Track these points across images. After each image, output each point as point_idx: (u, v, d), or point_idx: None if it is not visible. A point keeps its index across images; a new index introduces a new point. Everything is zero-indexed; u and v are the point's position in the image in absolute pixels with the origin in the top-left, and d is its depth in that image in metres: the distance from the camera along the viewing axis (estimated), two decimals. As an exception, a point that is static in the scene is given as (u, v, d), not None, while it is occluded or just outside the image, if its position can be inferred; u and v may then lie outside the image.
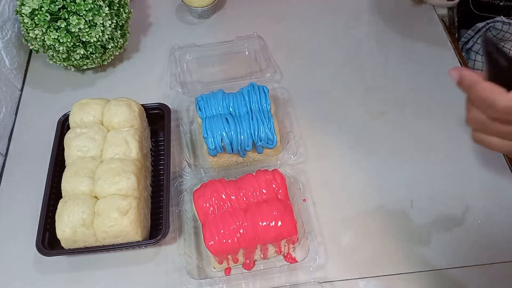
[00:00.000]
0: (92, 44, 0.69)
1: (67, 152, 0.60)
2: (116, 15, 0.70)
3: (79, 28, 0.66)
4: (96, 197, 0.56)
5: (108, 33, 0.69)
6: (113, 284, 0.57)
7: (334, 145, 0.67)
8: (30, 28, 0.67)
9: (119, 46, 0.73)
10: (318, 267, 0.56)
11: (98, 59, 0.72)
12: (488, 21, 0.89)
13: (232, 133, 0.59)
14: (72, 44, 0.67)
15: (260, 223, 0.52)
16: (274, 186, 0.56)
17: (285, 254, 0.57)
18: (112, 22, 0.69)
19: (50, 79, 0.76)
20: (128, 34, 0.75)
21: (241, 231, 0.52)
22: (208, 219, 0.54)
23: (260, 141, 0.60)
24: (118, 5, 0.71)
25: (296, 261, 0.56)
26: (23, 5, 0.66)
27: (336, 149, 0.66)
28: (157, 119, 0.67)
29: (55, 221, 0.54)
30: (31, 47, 0.71)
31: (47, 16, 0.65)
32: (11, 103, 0.72)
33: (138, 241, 0.55)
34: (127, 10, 0.73)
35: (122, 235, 0.54)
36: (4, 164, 0.68)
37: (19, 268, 0.58)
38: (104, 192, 0.55)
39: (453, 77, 0.37)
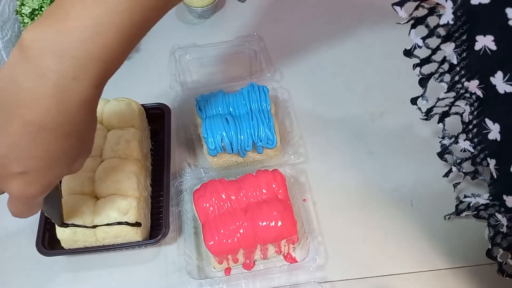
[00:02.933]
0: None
1: (67, 152, 0.60)
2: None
3: (79, 28, 0.66)
4: (96, 197, 0.56)
5: (108, 33, 0.69)
6: (113, 284, 0.57)
7: (334, 145, 0.67)
8: (30, 28, 0.67)
9: (119, 46, 0.73)
10: (318, 267, 0.56)
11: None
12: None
13: (232, 133, 0.59)
14: (72, 44, 0.67)
15: (260, 223, 0.52)
16: (274, 186, 0.56)
17: (285, 254, 0.57)
18: None
19: (50, 79, 0.76)
20: (128, 34, 0.75)
21: (241, 231, 0.52)
22: (208, 219, 0.54)
23: (260, 141, 0.60)
24: (118, 5, 0.70)
25: (296, 261, 0.56)
26: (23, 5, 0.66)
27: (336, 149, 0.66)
28: (157, 119, 0.67)
29: (55, 221, 0.54)
30: (31, 47, 0.71)
31: (47, 16, 0.65)
32: (11, 103, 0.72)
33: (138, 241, 0.55)
34: (127, 10, 0.73)
35: (122, 235, 0.54)
36: (4, 164, 0.67)
37: (19, 268, 0.58)
38: (104, 192, 0.55)
39: None
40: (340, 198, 0.62)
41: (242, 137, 0.59)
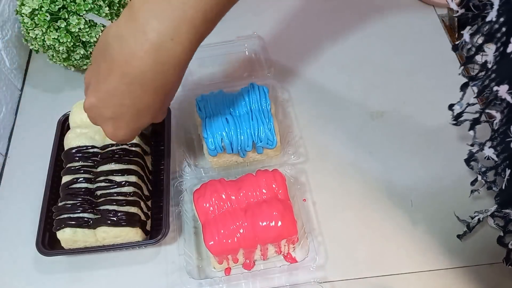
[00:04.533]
0: (92, 44, 0.69)
1: (67, 152, 0.60)
2: (116, 15, 0.70)
3: (79, 28, 0.66)
4: (96, 197, 0.56)
5: (108, 33, 0.69)
6: (113, 284, 0.57)
7: (334, 145, 0.67)
8: (30, 28, 0.66)
9: (119, 46, 0.73)
10: (318, 267, 0.56)
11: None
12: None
13: (232, 133, 0.59)
14: (72, 44, 0.67)
15: (260, 223, 0.52)
16: (274, 186, 0.56)
17: (285, 254, 0.57)
18: (112, 22, 0.69)
19: (50, 79, 0.76)
20: (128, 34, 0.75)
21: (241, 231, 0.52)
22: (208, 219, 0.54)
23: (260, 142, 0.60)
24: (118, 5, 0.70)
25: (296, 261, 0.56)
26: (23, 5, 0.66)
27: (336, 149, 0.66)
28: (157, 119, 0.66)
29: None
30: (31, 47, 0.71)
31: (47, 16, 0.65)
32: (11, 103, 0.72)
33: (138, 241, 0.55)
34: (127, 10, 0.73)
35: (122, 235, 0.54)
36: (4, 164, 0.68)
37: (19, 268, 0.58)
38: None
39: None
40: (340, 198, 0.62)
41: (242, 137, 0.59)
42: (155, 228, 0.59)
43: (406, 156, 0.65)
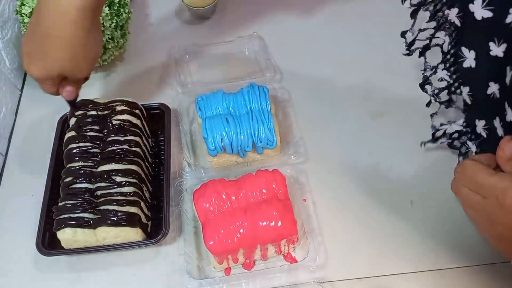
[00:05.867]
0: (92, 44, 0.69)
1: (67, 152, 0.60)
2: (116, 15, 0.70)
3: (79, 28, 0.66)
4: (96, 197, 0.56)
5: (108, 33, 0.69)
6: (113, 284, 0.57)
7: (334, 145, 0.67)
8: (30, 28, 0.67)
9: (119, 46, 0.73)
10: (318, 267, 0.56)
11: (98, 59, 0.72)
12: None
13: (232, 133, 0.59)
14: (72, 44, 0.67)
15: (260, 223, 0.52)
16: (274, 186, 0.56)
17: (285, 254, 0.57)
18: (112, 22, 0.69)
19: (50, 79, 0.76)
20: (128, 34, 0.75)
21: (241, 231, 0.52)
22: (208, 219, 0.54)
23: (260, 142, 0.60)
24: (118, 5, 0.70)
25: (296, 261, 0.56)
26: (23, 5, 0.66)
27: (336, 149, 0.66)
28: (157, 119, 0.67)
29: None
30: (31, 47, 0.71)
31: (47, 16, 0.65)
32: (11, 103, 0.72)
33: (138, 241, 0.56)
34: (127, 10, 0.73)
35: (122, 235, 0.54)
36: (4, 164, 0.67)
37: (19, 268, 0.58)
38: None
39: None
40: (340, 198, 0.62)
41: (242, 137, 0.59)
42: (155, 228, 0.59)
43: (406, 156, 0.65)
